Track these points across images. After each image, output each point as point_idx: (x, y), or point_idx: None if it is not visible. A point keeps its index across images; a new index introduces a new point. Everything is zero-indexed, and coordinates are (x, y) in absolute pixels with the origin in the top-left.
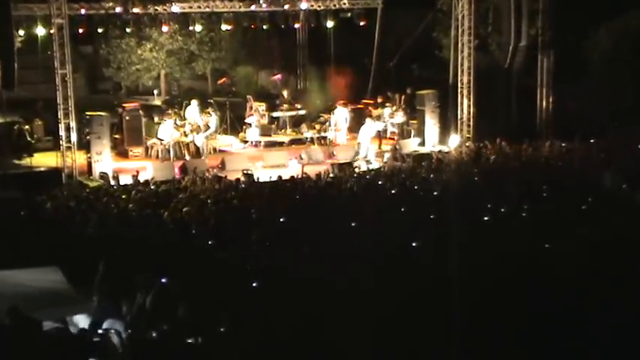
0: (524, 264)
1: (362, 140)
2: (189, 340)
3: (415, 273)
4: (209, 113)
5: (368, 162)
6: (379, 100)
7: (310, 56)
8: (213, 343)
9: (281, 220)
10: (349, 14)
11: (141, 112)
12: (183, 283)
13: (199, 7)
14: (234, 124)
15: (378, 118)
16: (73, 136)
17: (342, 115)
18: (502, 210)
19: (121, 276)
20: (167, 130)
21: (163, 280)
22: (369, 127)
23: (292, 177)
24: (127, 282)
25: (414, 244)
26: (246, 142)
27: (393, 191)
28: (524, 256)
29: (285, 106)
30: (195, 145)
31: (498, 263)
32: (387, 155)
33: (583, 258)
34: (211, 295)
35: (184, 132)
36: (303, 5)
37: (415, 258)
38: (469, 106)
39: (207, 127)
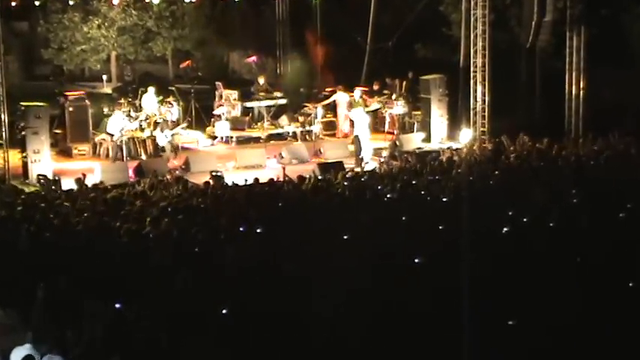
0: (551, 282)
1: (360, 132)
2: None
3: (419, 296)
4: (170, 103)
5: (361, 161)
6: (375, 87)
7: (292, 35)
8: None
9: (258, 231)
10: None
11: (87, 101)
12: (140, 308)
13: None
14: (200, 116)
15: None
16: (5, 132)
17: (344, 100)
18: (524, 219)
19: (65, 301)
20: (117, 124)
21: (117, 306)
22: (362, 115)
23: (271, 180)
24: (73, 308)
25: (417, 261)
26: (214, 137)
27: (392, 197)
28: (552, 273)
29: (262, 94)
30: (153, 141)
31: (520, 282)
32: (384, 153)
33: (620, 274)
34: (174, 323)
35: (140, 126)
36: None
37: (419, 277)
38: (484, 94)
39: (175, 124)
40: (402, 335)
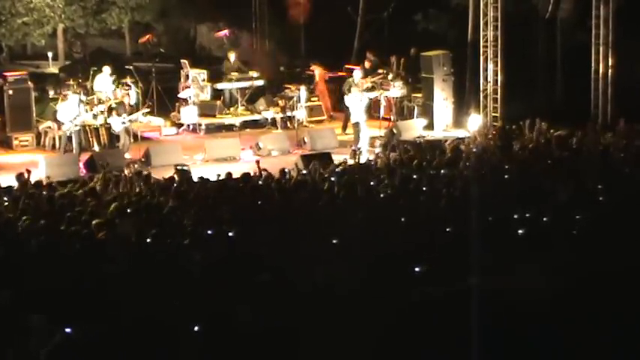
0: (573, 293)
1: (359, 118)
2: None
3: (421, 310)
4: (127, 85)
5: (356, 152)
6: (366, 64)
7: (270, 4)
8: None
9: (230, 235)
10: None
11: (30, 83)
12: (95, 330)
13: None
14: (162, 99)
15: (370, 90)
16: None
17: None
18: (544, 219)
19: (6, 318)
20: (70, 110)
21: (67, 330)
22: (359, 98)
23: (247, 174)
24: (14, 327)
25: (417, 269)
26: (179, 125)
27: (388, 194)
28: (575, 282)
29: (235, 74)
30: (107, 130)
31: (539, 293)
32: (379, 143)
33: None
34: (136, 345)
35: (92, 112)
36: None
37: (421, 289)
38: (496, 74)
39: (132, 109)
40: (401, 352)
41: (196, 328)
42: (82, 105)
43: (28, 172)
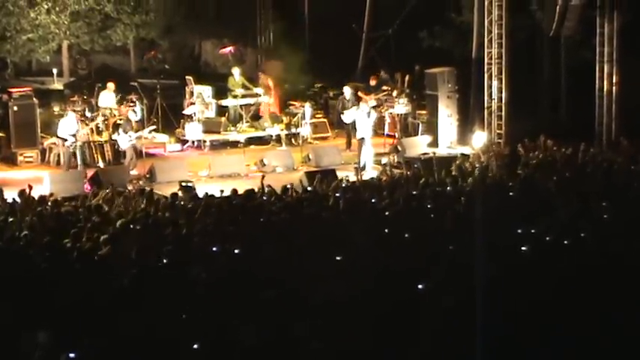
0: (579, 311)
1: (365, 134)
2: None
3: (425, 327)
4: (132, 101)
5: (360, 169)
6: (372, 81)
7: (276, 20)
8: None
9: (235, 252)
10: None
11: (35, 99)
12: (98, 346)
13: None
14: (167, 116)
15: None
16: None
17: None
18: (547, 238)
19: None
20: (69, 126)
21: (72, 355)
22: (367, 115)
23: (251, 191)
24: (16, 343)
25: (421, 287)
26: (184, 142)
27: (393, 211)
28: (580, 300)
29: (240, 90)
30: (112, 146)
31: (543, 311)
32: (384, 160)
33: None
34: None
35: (97, 127)
36: None
37: (425, 306)
38: (500, 91)
39: (138, 126)
40: None
41: (196, 346)
42: (79, 120)
43: (30, 187)
